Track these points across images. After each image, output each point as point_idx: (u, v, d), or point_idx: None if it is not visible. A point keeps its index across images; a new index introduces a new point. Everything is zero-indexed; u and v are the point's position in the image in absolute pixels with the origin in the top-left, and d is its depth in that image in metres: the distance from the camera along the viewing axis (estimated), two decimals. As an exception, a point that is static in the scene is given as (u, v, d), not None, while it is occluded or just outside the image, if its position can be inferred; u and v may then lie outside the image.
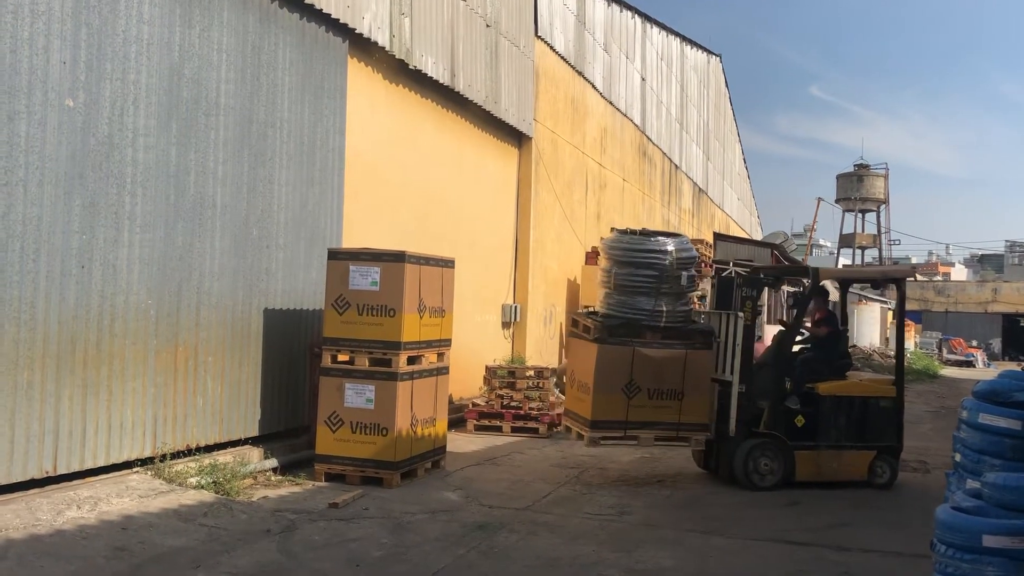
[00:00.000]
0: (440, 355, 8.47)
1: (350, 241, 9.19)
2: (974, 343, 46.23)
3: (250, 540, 5.84)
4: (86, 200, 6.28)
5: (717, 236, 23.33)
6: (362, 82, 9.73)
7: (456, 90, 11.56)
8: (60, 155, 6.08)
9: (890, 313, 41.51)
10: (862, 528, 6.99)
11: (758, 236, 37.78)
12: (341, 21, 8.94)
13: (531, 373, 11.35)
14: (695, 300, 9.13)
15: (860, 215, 60.85)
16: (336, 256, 7.91)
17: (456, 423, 10.85)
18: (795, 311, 8.91)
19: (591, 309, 9.13)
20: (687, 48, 26.00)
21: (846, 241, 61.61)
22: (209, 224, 7.44)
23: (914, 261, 77.25)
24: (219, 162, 7.54)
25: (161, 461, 6.85)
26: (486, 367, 11.55)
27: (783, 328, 9.27)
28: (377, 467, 7.62)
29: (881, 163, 69.52)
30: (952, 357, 38.36)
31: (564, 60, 15.71)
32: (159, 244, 6.93)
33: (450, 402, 9.48)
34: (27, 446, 5.87)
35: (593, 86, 17.37)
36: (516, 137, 14.06)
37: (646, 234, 8.58)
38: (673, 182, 24.71)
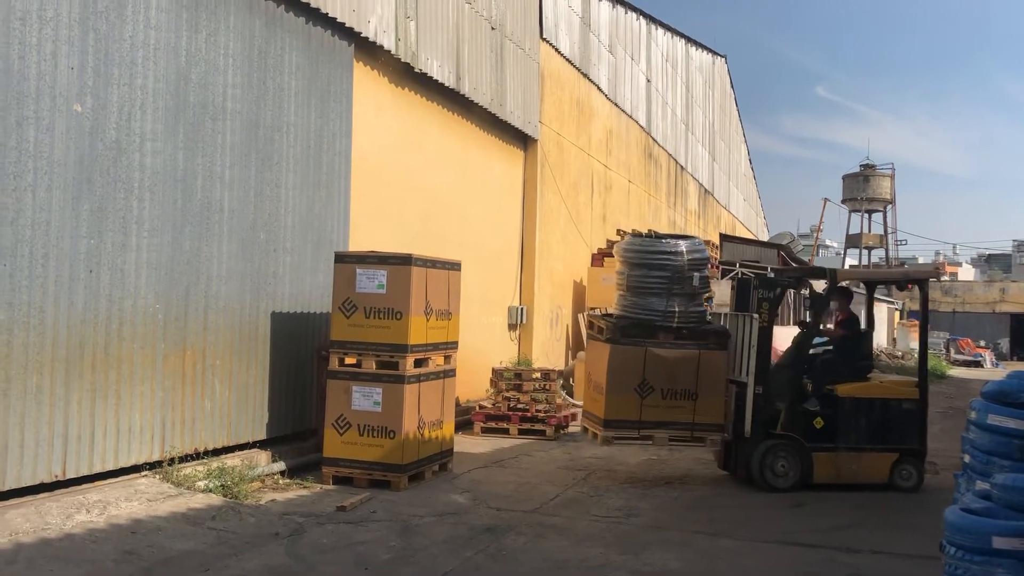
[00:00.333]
0: (447, 357, 8.48)
1: (357, 244, 9.21)
2: (982, 343, 46.03)
3: (258, 543, 5.85)
4: (94, 205, 6.30)
5: (723, 237, 23.32)
6: (368, 85, 9.75)
7: (461, 93, 11.57)
8: (68, 160, 6.11)
9: (897, 314, 41.40)
10: (871, 530, 6.97)
11: (764, 237, 37.73)
12: (347, 25, 8.97)
13: (537, 375, 11.35)
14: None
15: (866, 215, 60.69)
16: (343, 259, 7.93)
17: (463, 425, 10.85)
18: (813, 313, 8.86)
19: (607, 311, 9.19)
20: (692, 49, 25.99)
21: (853, 241, 61.45)
22: (216, 228, 7.46)
23: (921, 261, 77.04)
24: (226, 166, 7.56)
25: (169, 465, 6.86)
26: (492, 369, 11.55)
27: (803, 330, 9.24)
28: (384, 470, 7.63)
29: (887, 163, 69.32)
30: (960, 357, 38.23)
31: (569, 62, 15.71)
32: (167, 248, 6.95)
33: (457, 404, 9.48)
34: (36, 450, 5.89)
35: (598, 88, 17.37)
36: (521, 139, 14.07)
37: (659, 236, 8.65)
38: (679, 183, 24.70)
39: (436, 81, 10.93)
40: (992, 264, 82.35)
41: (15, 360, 5.76)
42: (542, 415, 11.01)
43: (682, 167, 24.92)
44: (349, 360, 7.87)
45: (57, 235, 6.03)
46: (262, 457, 7.82)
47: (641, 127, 20.54)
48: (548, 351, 14.71)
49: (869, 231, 61.02)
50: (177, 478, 6.76)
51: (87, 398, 6.26)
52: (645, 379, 8.12)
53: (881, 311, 36.98)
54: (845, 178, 61.22)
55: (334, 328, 7.84)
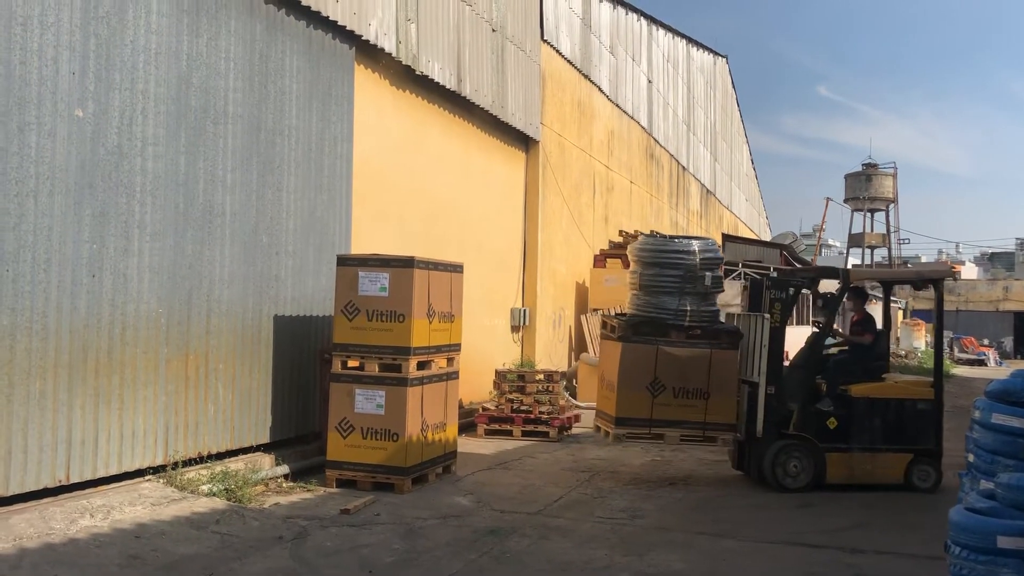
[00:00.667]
0: (450, 360, 8.48)
1: (359, 247, 9.22)
2: (985, 341, 45.94)
3: (262, 547, 5.85)
4: (96, 209, 6.31)
5: (726, 237, 23.31)
6: (369, 88, 9.75)
7: (463, 95, 11.58)
8: (70, 165, 6.11)
9: (900, 313, 41.34)
10: (877, 530, 6.96)
11: (767, 237, 37.71)
12: (347, 28, 8.97)
13: (541, 377, 11.34)
14: None
15: (869, 214, 60.61)
16: (345, 262, 7.93)
17: (466, 428, 10.85)
18: (826, 313, 8.85)
19: (620, 310, 9.24)
20: (693, 50, 25.98)
21: (855, 241, 61.37)
22: (219, 232, 7.46)
23: (924, 260, 76.94)
24: (228, 170, 7.56)
25: (173, 469, 6.86)
26: (496, 371, 11.55)
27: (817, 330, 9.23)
28: (388, 473, 7.62)
29: (889, 162, 69.19)
30: (964, 356, 38.14)
31: (570, 63, 15.72)
32: (169, 252, 6.95)
33: (460, 406, 9.49)
34: (40, 455, 5.90)
35: (600, 89, 17.38)
36: (523, 141, 14.07)
37: (672, 236, 8.72)
38: (681, 184, 24.69)
39: (437, 83, 10.93)
40: (995, 262, 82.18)
41: (18, 365, 5.76)
42: (545, 417, 11.00)
43: (684, 167, 24.91)
44: (352, 363, 7.87)
45: (59, 240, 6.04)
46: (265, 461, 7.82)
47: (643, 128, 20.54)
48: (551, 353, 14.71)
49: (872, 230, 60.93)
50: (181, 482, 6.76)
51: (90, 403, 6.26)
52: (657, 377, 8.17)
53: (877, 310, 36.84)
54: (847, 177, 61.14)
55: (337, 331, 7.85)
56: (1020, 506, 4.06)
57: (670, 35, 23.32)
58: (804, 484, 8.16)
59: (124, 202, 6.55)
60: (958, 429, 7.14)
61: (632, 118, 19.68)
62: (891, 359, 10.46)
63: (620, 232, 17.99)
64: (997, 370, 31.44)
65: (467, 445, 10.05)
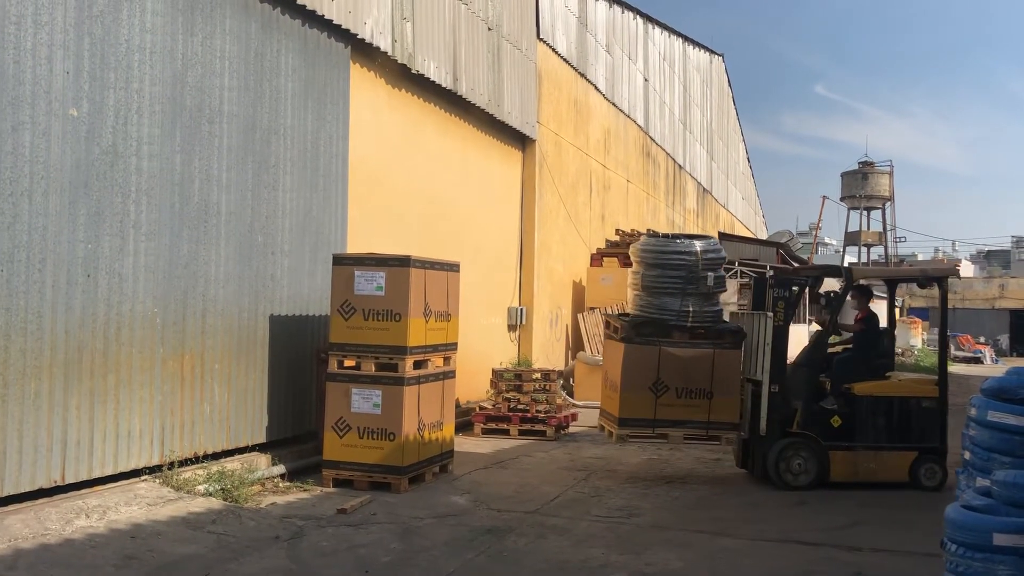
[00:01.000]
0: (446, 359, 8.47)
1: (355, 246, 9.20)
2: (982, 339, 46.04)
3: (259, 547, 5.84)
4: (91, 209, 6.29)
5: (722, 235, 23.35)
6: (365, 87, 9.74)
7: (459, 94, 11.57)
8: (65, 165, 6.09)
9: (897, 311, 41.39)
10: (873, 527, 6.96)
11: (763, 235, 37.75)
12: (343, 27, 8.96)
13: (537, 376, 11.34)
14: None
15: (865, 213, 60.71)
16: (341, 261, 7.92)
17: (463, 427, 10.84)
18: (830, 311, 8.85)
19: (623, 310, 9.25)
20: (689, 48, 26.00)
21: (852, 239, 61.46)
22: (214, 231, 7.45)
23: (920, 258, 77.04)
24: (223, 169, 7.55)
25: (169, 469, 6.85)
26: (492, 370, 11.54)
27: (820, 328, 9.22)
28: (385, 472, 7.61)
29: (886, 160, 69.34)
30: (960, 353, 38.20)
31: (566, 62, 15.71)
32: (164, 252, 6.94)
33: (457, 406, 9.48)
34: (35, 456, 5.88)
35: (596, 88, 17.37)
36: (520, 140, 14.06)
37: (674, 236, 8.72)
38: (677, 182, 24.70)
39: (433, 82, 10.92)
40: (991, 260, 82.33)
41: (13, 365, 5.74)
42: (542, 416, 11.00)
43: (680, 166, 24.92)
44: (348, 362, 7.86)
45: (54, 240, 6.02)
46: (262, 460, 7.81)
47: (639, 126, 20.55)
48: (548, 351, 14.71)
49: (868, 228, 61.02)
50: (177, 482, 6.74)
51: (86, 403, 6.24)
52: (660, 378, 8.19)
53: (880, 308, 36.93)
54: (844, 175, 61.23)
55: (333, 330, 7.83)
56: (1016, 503, 4.06)
57: (666, 34, 23.33)
58: (808, 482, 8.16)
59: (119, 201, 6.53)
60: (955, 427, 7.14)
61: (629, 117, 19.68)
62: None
63: (617, 231, 17.99)
64: (993, 367, 31.48)
65: (464, 444, 10.04)
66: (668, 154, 23.45)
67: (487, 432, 11.00)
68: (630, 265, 9.58)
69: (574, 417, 11.79)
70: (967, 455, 4.90)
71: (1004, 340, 51.21)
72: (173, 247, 7.02)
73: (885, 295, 10.76)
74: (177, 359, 7.07)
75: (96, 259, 6.33)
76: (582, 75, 16.56)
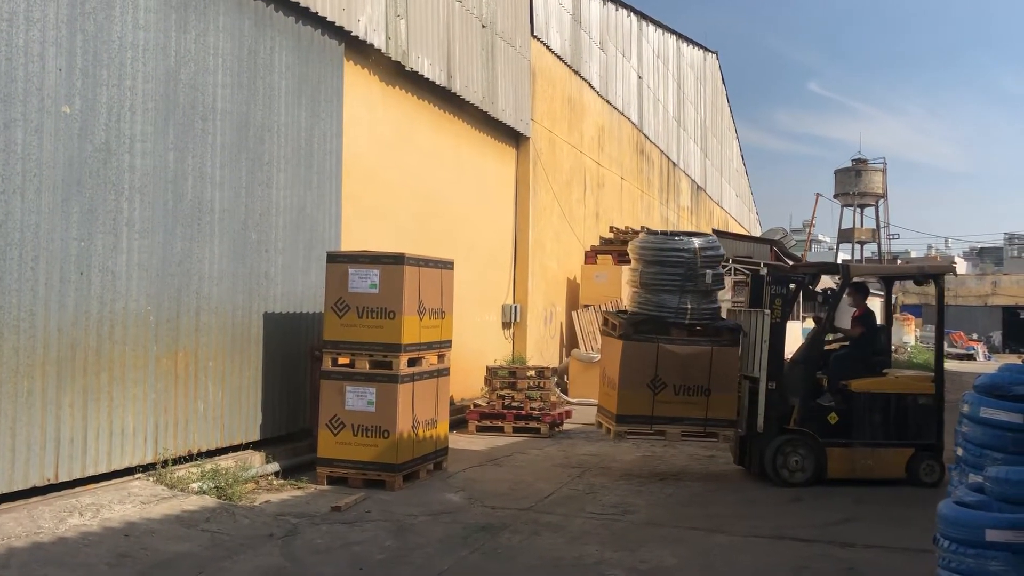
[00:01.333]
0: (440, 356, 8.46)
1: (349, 244, 9.19)
2: (974, 336, 46.20)
3: (253, 545, 5.83)
4: (84, 207, 6.27)
5: (716, 233, 23.33)
6: (359, 84, 9.72)
7: (453, 91, 11.56)
8: (57, 162, 6.07)
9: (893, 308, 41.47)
10: (866, 524, 6.98)
11: (757, 232, 37.78)
12: (337, 24, 8.94)
13: (532, 373, 11.34)
14: None
15: (859, 210, 60.81)
16: (335, 259, 7.91)
17: (457, 424, 10.84)
18: (827, 308, 8.87)
19: (620, 307, 9.27)
20: (683, 45, 26.00)
21: (845, 236, 61.57)
22: (208, 229, 7.43)
23: (913, 255, 77.26)
24: (216, 167, 7.53)
25: (163, 467, 6.84)
26: (487, 368, 11.55)
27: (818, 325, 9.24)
28: (379, 470, 7.61)
29: (879, 157, 69.45)
30: (953, 350, 38.31)
31: (560, 59, 15.71)
32: (158, 250, 6.92)
33: (451, 403, 9.48)
34: (28, 454, 5.87)
35: (590, 85, 17.37)
36: (514, 137, 14.06)
37: (672, 234, 8.74)
38: (671, 180, 24.72)
39: (427, 79, 10.91)
40: (984, 257, 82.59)
41: (5, 363, 5.73)
42: (537, 413, 11.00)
43: (674, 163, 24.94)
44: (342, 360, 7.85)
45: (47, 237, 6.00)
46: (256, 458, 7.80)
47: (633, 124, 20.55)
48: (542, 349, 14.71)
49: (861, 225, 61.14)
50: (171, 480, 6.73)
51: (79, 401, 6.23)
52: (657, 375, 8.21)
53: (874, 305, 37.01)
54: (837, 173, 61.31)
55: (327, 328, 7.82)
56: (1009, 499, 4.08)
57: (660, 31, 23.33)
58: (805, 479, 8.19)
59: (112, 199, 6.51)
60: (948, 423, 7.17)
61: (622, 114, 19.68)
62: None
63: (611, 228, 18.00)
64: (986, 364, 31.60)
65: (458, 441, 10.04)
66: (662, 151, 23.46)
67: (481, 429, 11.01)
68: (625, 262, 9.62)
69: (568, 414, 11.80)
70: (960, 451, 4.92)
71: (997, 337, 51.37)
72: (167, 245, 7.01)
73: (882, 292, 10.77)
74: (171, 357, 7.06)
75: (89, 257, 6.31)
76: (576, 72, 16.56)
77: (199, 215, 7.34)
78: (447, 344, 8.55)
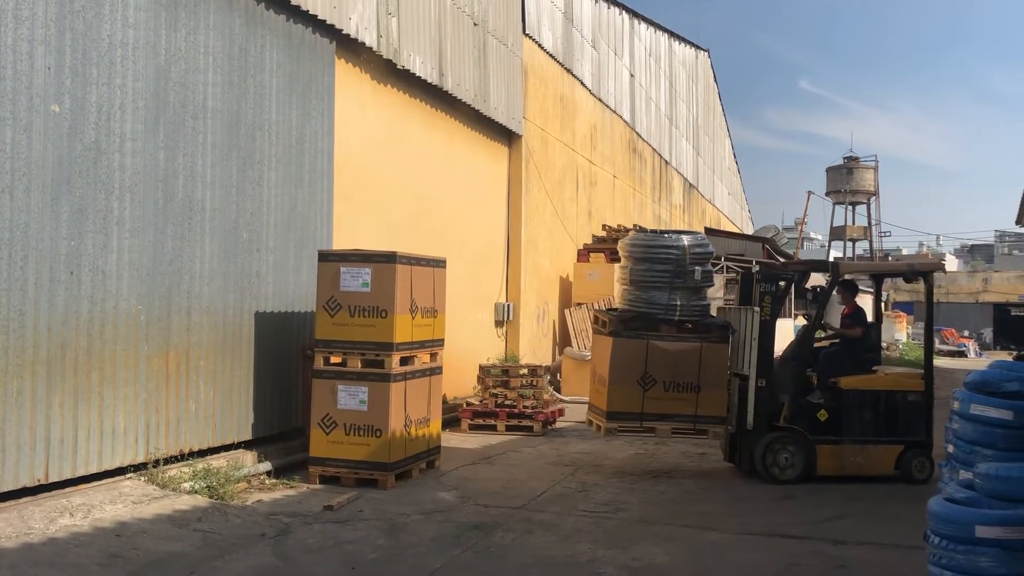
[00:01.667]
0: (433, 355, 8.46)
1: (340, 242, 9.17)
2: (966, 333, 46.36)
3: (245, 544, 5.82)
4: (74, 206, 6.25)
5: (708, 231, 23.42)
6: (350, 83, 9.70)
7: (445, 89, 11.54)
8: (47, 161, 6.05)
9: (882, 305, 41.62)
10: (857, 521, 7.00)
11: (749, 230, 37.87)
12: (328, 22, 8.92)
13: (525, 371, 11.34)
14: None
15: (850, 207, 60.99)
16: (327, 258, 7.89)
17: (450, 423, 10.84)
18: (816, 306, 8.89)
19: (611, 305, 9.29)
20: (675, 44, 26.02)
21: (837, 234, 61.75)
22: (198, 228, 7.41)
23: (905, 252, 77.51)
24: (207, 165, 7.51)
25: (154, 467, 6.82)
26: (480, 366, 11.54)
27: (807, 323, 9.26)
28: (371, 469, 7.60)
29: (871, 155, 69.76)
30: (944, 347, 38.44)
31: (553, 58, 15.70)
32: (148, 249, 6.90)
33: (444, 402, 9.47)
34: (18, 454, 5.84)
35: (582, 83, 17.37)
36: (506, 135, 14.05)
37: (662, 232, 8.78)
38: (663, 178, 24.74)
39: (419, 78, 10.89)
40: (975, 255, 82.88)
41: (-5, 364, 5.70)
42: (529, 411, 11.00)
43: (666, 161, 24.96)
44: (334, 359, 7.84)
45: (36, 237, 5.97)
46: (248, 457, 7.78)
47: (625, 122, 20.56)
48: (535, 347, 14.72)
49: (853, 223, 61.33)
50: (162, 480, 6.71)
51: (69, 401, 6.20)
52: (647, 372, 8.24)
53: (866, 302, 37.07)
54: (829, 171, 61.48)
55: (319, 327, 7.81)
56: (999, 496, 4.09)
57: (652, 29, 23.35)
58: (795, 476, 8.21)
59: (103, 198, 6.48)
60: (939, 420, 7.19)
61: (615, 112, 19.69)
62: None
63: (603, 226, 18.01)
64: (977, 361, 31.74)
65: (451, 440, 10.04)
66: (654, 149, 23.48)
67: (474, 428, 11.00)
68: (617, 260, 9.62)
69: (561, 412, 11.81)
70: (950, 448, 4.94)
71: (988, 334, 51.55)
72: (157, 244, 6.98)
73: (872, 290, 10.80)
74: (162, 356, 7.03)
75: (79, 256, 6.29)
76: (568, 70, 16.55)
77: (190, 214, 7.31)
78: (439, 343, 8.54)
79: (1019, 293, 52.02)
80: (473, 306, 12.84)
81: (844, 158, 61.10)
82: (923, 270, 8.99)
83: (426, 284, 8.20)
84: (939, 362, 29.43)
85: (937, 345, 38.40)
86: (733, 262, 19.85)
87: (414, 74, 10.74)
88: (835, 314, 9.58)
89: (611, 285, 14.74)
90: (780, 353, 8.95)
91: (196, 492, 6.73)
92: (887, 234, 66.72)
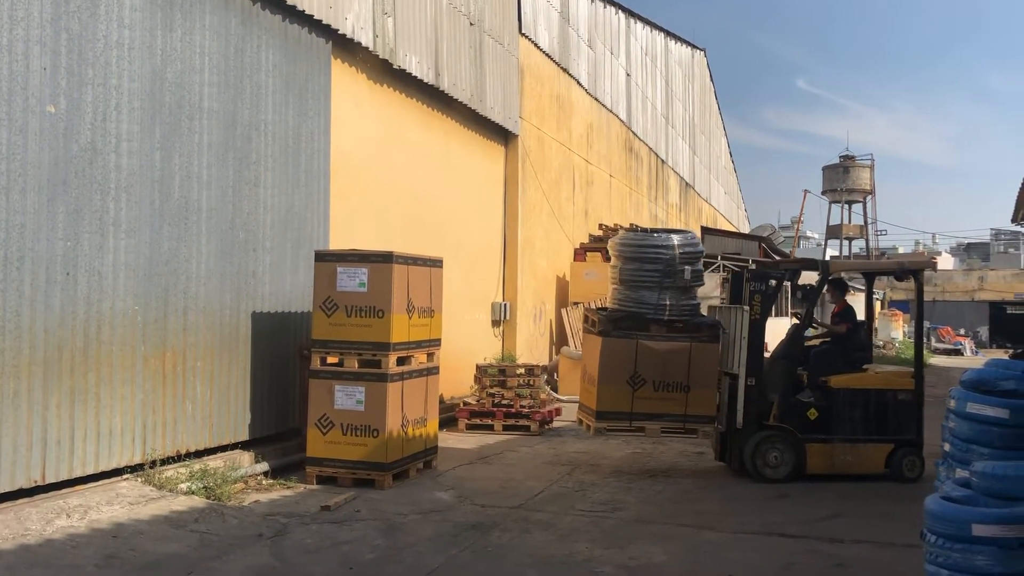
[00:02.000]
0: (430, 355, 8.46)
1: (337, 242, 9.17)
2: (962, 331, 46.41)
3: (242, 545, 5.82)
4: (70, 207, 6.24)
5: (704, 230, 23.43)
6: (346, 83, 9.70)
7: (441, 89, 11.54)
8: (43, 162, 6.04)
9: (878, 303, 41.69)
10: (853, 519, 7.01)
11: (745, 229, 37.89)
12: (324, 22, 8.91)
13: (522, 371, 11.34)
14: None
15: (847, 206, 61.02)
16: (323, 258, 7.89)
17: (447, 423, 10.84)
18: (806, 304, 8.91)
19: (602, 304, 9.29)
20: (671, 43, 26.03)
21: (833, 232, 61.78)
22: (195, 228, 7.40)
23: (901, 251, 77.62)
24: (204, 166, 7.50)
25: (151, 467, 6.81)
26: (477, 366, 11.54)
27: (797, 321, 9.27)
28: (369, 469, 7.60)
29: (867, 154, 69.80)
30: (941, 346, 38.52)
31: (549, 57, 15.70)
32: (145, 249, 6.89)
33: (441, 402, 9.47)
34: (15, 456, 5.83)
35: (578, 83, 17.37)
36: (502, 135, 14.05)
37: (653, 231, 8.77)
38: (660, 177, 24.75)
39: (415, 78, 10.89)
40: (971, 253, 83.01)
41: (-8, 365, 5.69)
42: (526, 411, 11.01)
43: (663, 161, 24.97)
44: (331, 359, 7.83)
45: (32, 238, 5.96)
46: (245, 458, 7.78)
47: (621, 121, 20.57)
48: (532, 347, 14.72)
49: (849, 222, 61.37)
50: (159, 481, 6.71)
51: (66, 402, 6.20)
52: (636, 371, 8.24)
53: (861, 301, 37.10)
54: (825, 169, 61.50)
55: (315, 327, 7.80)
56: (995, 494, 4.10)
57: (648, 28, 23.35)
58: (784, 475, 8.22)
59: (98, 199, 6.48)
60: (935, 419, 7.20)
61: (611, 111, 19.69)
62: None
63: (600, 226, 18.01)
64: (973, 359, 31.78)
65: (448, 440, 10.04)
66: (651, 149, 23.49)
67: (471, 428, 11.01)
68: (613, 260, 9.60)
69: (558, 412, 11.81)
70: (947, 447, 4.95)
71: (984, 332, 51.66)
72: (154, 244, 6.97)
73: (864, 288, 10.82)
74: (158, 357, 7.03)
75: (75, 257, 6.28)
76: (564, 70, 16.55)
77: (186, 214, 7.30)
78: (436, 343, 8.54)
79: (1015, 291, 52.10)
80: (470, 306, 12.84)
81: (840, 157, 61.14)
82: (913, 268, 9.00)
83: (423, 284, 8.20)
84: (935, 360, 29.56)
85: (933, 343, 38.53)
86: (730, 261, 19.86)
87: (410, 74, 10.74)
88: (830, 313, 9.60)
89: (607, 285, 14.74)
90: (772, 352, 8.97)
91: (193, 493, 6.73)
92: (883, 232, 66.74)
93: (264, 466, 7.83)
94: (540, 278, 15.28)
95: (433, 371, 8.50)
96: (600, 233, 17.56)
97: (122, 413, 6.67)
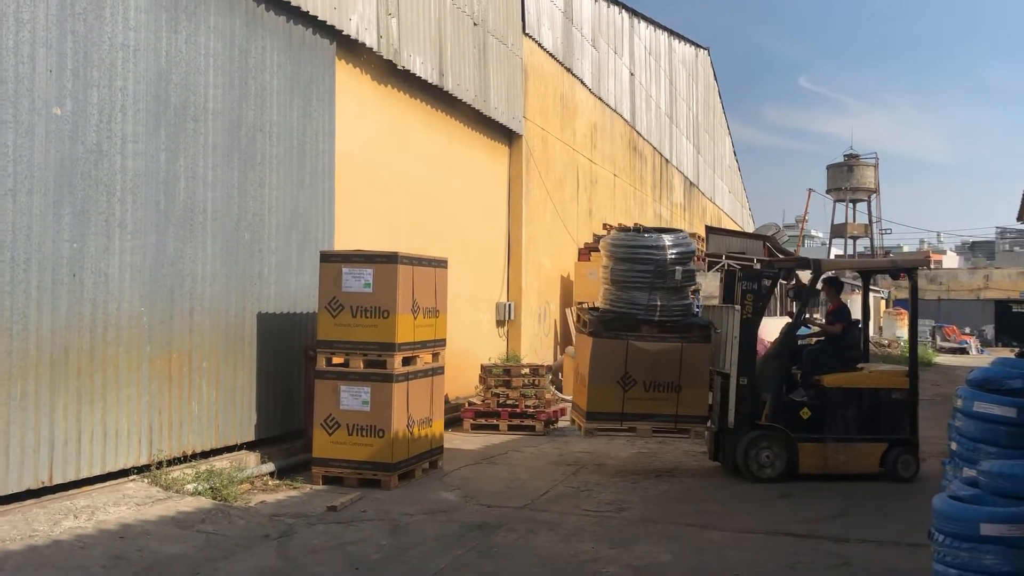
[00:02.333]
0: (435, 355, 8.46)
1: (342, 243, 9.18)
2: (967, 330, 46.31)
3: (248, 546, 5.83)
4: (76, 208, 6.25)
5: (709, 229, 23.39)
6: (350, 83, 9.71)
7: (445, 89, 11.55)
8: (49, 163, 6.05)
9: (883, 302, 41.62)
10: (859, 518, 7.01)
11: (750, 228, 37.85)
12: (328, 23, 8.92)
13: (526, 371, 11.35)
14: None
15: (851, 205, 60.92)
16: (328, 258, 7.90)
17: (452, 423, 10.84)
18: (798, 304, 8.91)
19: (594, 305, 9.28)
20: (675, 42, 26.01)
21: (838, 231, 61.68)
22: (200, 229, 7.41)
23: (906, 249, 77.48)
24: (209, 167, 7.51)
25: (157, 468, 6.83)
26: (481, 366, 11.54)
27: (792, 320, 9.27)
28: (374, 469, 7.61)
29: (871, 152, 69.69)
30: (946, 344, 38.45)
31: (552, 57, 15.70)
32: (150, 251, 6.90)
33: (446, 402, 9.48)
34: (22, 457, 5.85)
35: (582, 82, 17.37)
36: (506, 135, 14.05)
37: (644, 231, 8.74)
38: (664, 176, 24.73)
39: (419, 78, 10.90)
40: (976, 251, 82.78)
41: (-1, 366, 5.71)
42: (531, 411, 11.01)
43: (667, 160, 24.96)
44: (336, 360, 7.84)
45: (39, 239, 5.98)
46: (251, 459, 7.79)
47: (625, 121, 20.55)
48: (536, 347, 14.72)
49: (854, 220, 61.26)
50: (165, 481, 6.72)
51: (73, 403, 6.21)
52: (627, 372, 8.24)
53: (856, 300, 36.92)
54: (829, 168, 61.41)
55: (321, 328, 7.82)
56: (1003, 493, 4.09)
57: (652, 28, 23.34)
58: (776, 474, 8.20)
59: (104, 200, 6.49)
60: (941, 418, 7.19)
61: (615, 111, 19.68)
62: (873, 348, 10.51)
63: (604, 225, 18.00)
64: (979, 358, 31.72)
65: (453, 440, 10.05)
66: (655, 148, 23.48)
67: (476, 428, 11.01)
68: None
69: (563, 412, 11.81)
70: (954, 446, 4.94)
71: (989, 331, 51.54)
72: (159, 245, 6.99)
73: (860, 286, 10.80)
74: (164, 358, 7.04)
75: (81, 258, 6.29)
76: (568, 70, 16.55)
77: (191, 216, 7.32)
78: (441, 343, 8.55)
79: (1020, 290, 51.96)
80: (474, 306, 12.85)
81: (844, 155, 61.03)
82: (907, 266, 8.96)
83: (428, 284, 8.21)
84: (941, 359, 29.50)
85: (939, 342, 38.44)
86: (734, 260, 19.85)
87: (414, 74, 10.75)
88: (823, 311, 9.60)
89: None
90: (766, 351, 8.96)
91: (199, 493, 6.74)
92: (888, 231, 66.67)
93: (270, 467, 7.85)
94: (544, 278, 15.28)
95: (438, 371, 8.51)
96: (604, 233, 17.56)
97: (128, 414, 6.68)
